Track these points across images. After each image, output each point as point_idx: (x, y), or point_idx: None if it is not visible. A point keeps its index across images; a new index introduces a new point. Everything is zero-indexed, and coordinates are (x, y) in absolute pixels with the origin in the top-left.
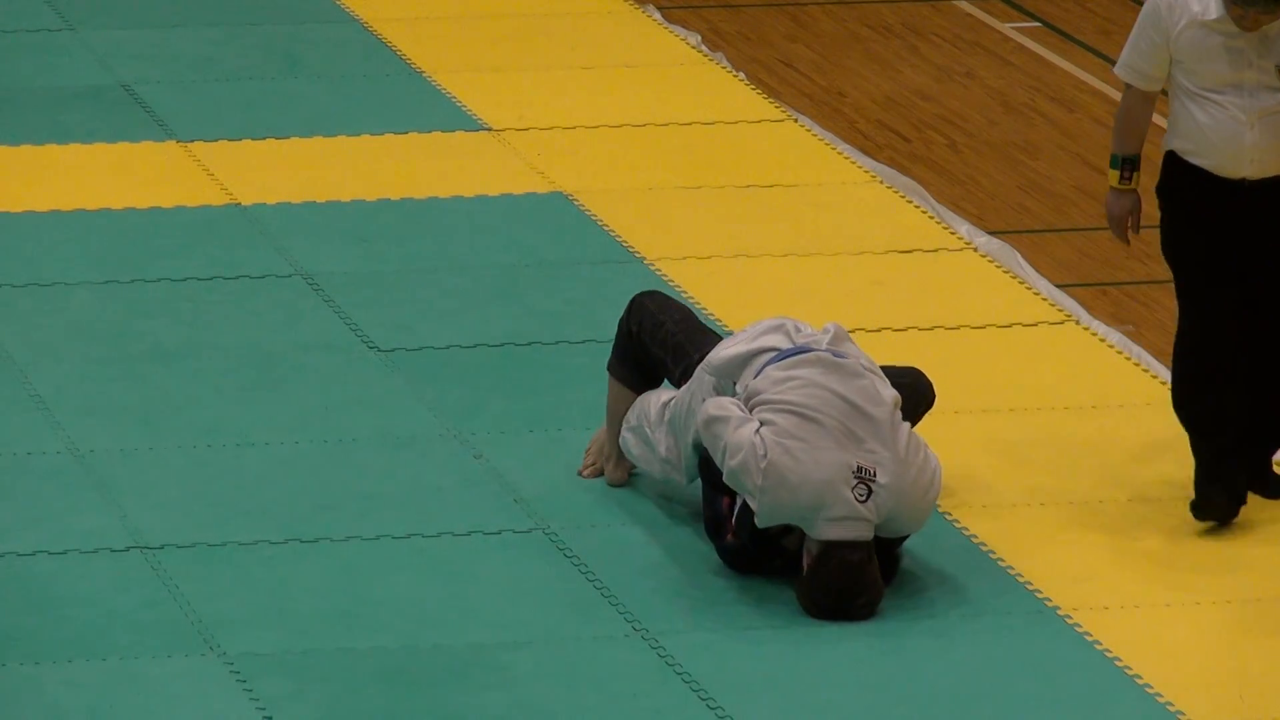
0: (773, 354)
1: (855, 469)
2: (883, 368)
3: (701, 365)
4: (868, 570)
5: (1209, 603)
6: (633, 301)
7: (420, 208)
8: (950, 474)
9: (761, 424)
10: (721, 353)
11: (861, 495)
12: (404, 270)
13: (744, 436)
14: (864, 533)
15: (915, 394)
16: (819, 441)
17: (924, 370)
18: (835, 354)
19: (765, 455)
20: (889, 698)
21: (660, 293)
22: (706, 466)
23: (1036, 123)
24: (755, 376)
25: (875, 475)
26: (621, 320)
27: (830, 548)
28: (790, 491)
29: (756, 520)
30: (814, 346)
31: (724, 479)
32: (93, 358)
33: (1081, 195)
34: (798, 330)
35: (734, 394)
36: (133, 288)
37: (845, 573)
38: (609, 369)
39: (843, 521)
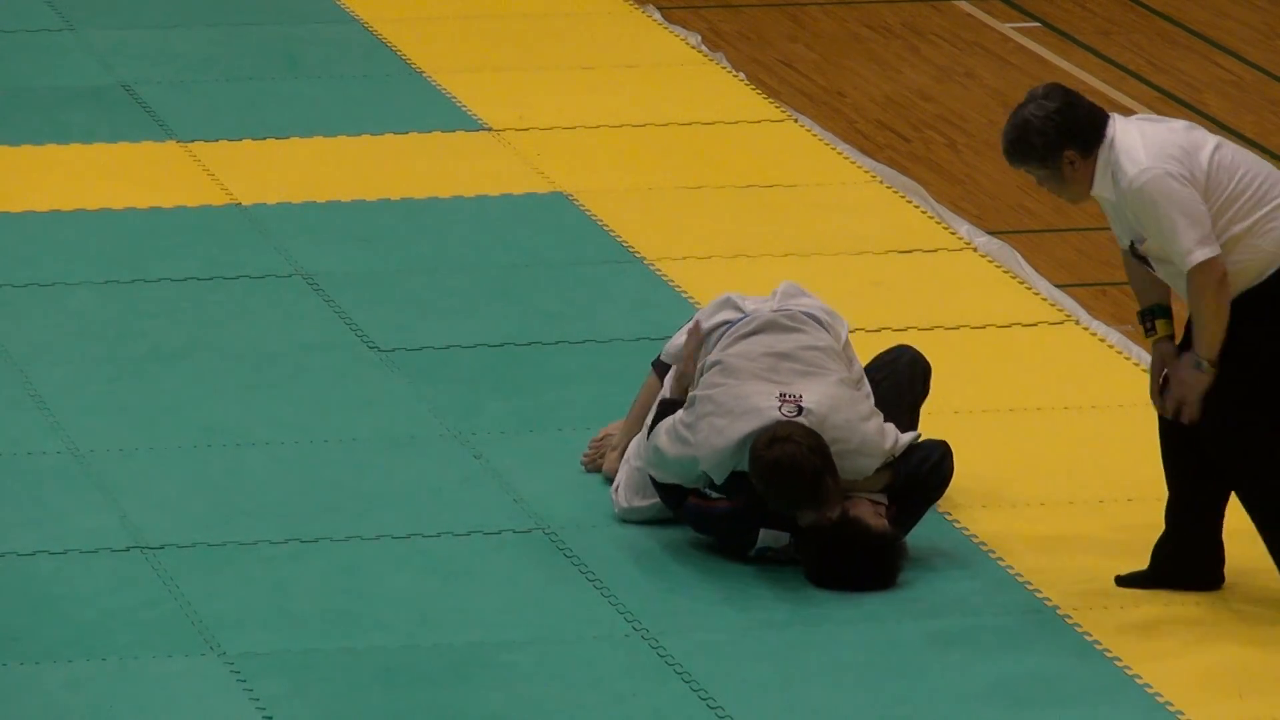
0: (724, 327)
1: (779, 395)
2: (870, 364)
3: (661, 355)
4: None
5: (1209, 602)
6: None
7: (420, 208)
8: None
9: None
10: (676, 340)
11: (791, 412)
12: (404, 270)
13: (660, 431)
14: None
15: (898, 382)
16: (740, 383)
17: None
18: (779, 311)
19: (690, 421)
20: (889, 698)
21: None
22: (665, 491)
23: None
24: (710, 352)
25: (801, 398)
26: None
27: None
28: (722, 423)
29: (714, 479)
30: (760, 311)
31: (665, 473)
32: (93, 358)
33: None
34: (743, 300)
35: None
36: (133, 288)
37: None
38: (654, 364)
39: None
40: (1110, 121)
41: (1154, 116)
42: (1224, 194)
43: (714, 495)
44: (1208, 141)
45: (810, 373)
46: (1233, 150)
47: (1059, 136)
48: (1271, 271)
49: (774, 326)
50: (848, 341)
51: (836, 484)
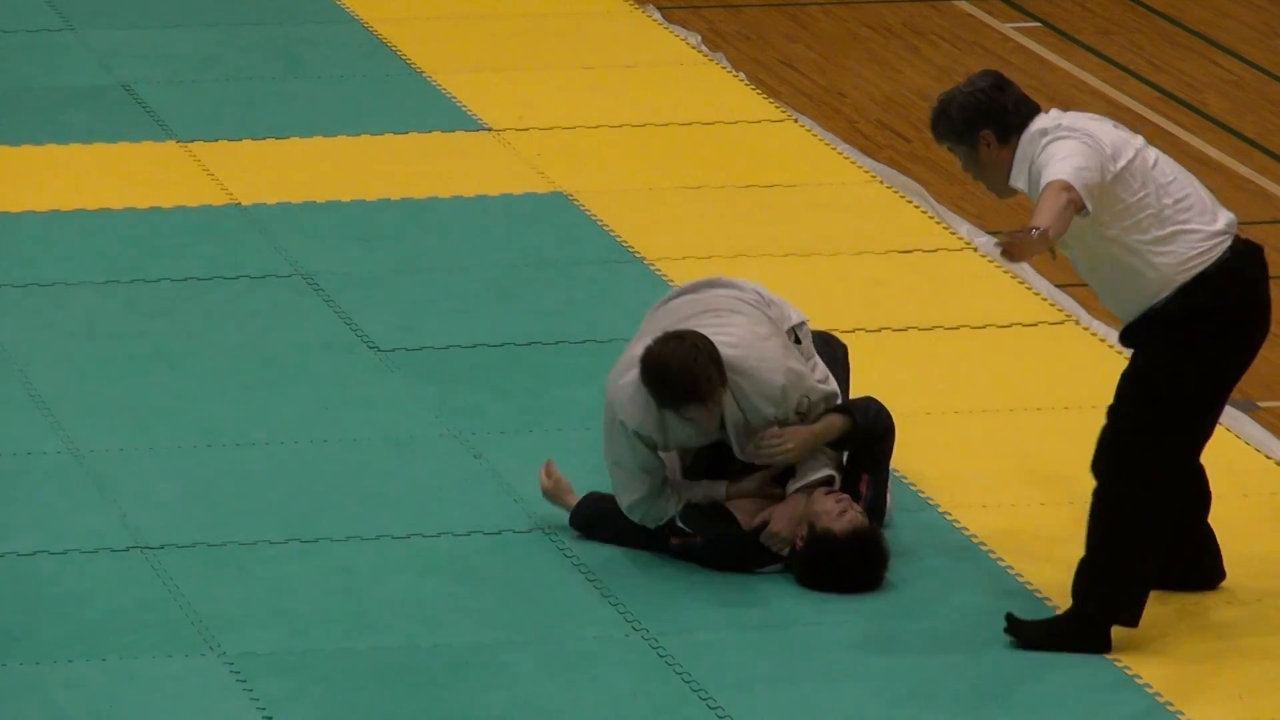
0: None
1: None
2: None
3: None
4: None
5: (1208, 602)
6: None
7: (420, 208)
8: (950, 474)
9: None
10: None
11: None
12: (404, 270)
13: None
14: None
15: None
16: (637, 341)
17: (921, 369)
18: (705, 281)
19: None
20: (888, 697)
21: None
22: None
23: None
24: None
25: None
26: None
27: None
28: (625, 379)
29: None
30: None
31: (630, 492)
32: (93, 358)
33: None
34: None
35: None
36: (133, 288)
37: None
38: None
39: None
40: (1039, 116)
41: (1094, 116)
42: (1132, 198)
43: (683, 527)
44: (1133, 143)
45: (711, 311)
46: (1155, 159)
47: (977, 114)
48: (1167, 294)
49: (684, 290)
50: (799, 331)
51: (722, 382)
